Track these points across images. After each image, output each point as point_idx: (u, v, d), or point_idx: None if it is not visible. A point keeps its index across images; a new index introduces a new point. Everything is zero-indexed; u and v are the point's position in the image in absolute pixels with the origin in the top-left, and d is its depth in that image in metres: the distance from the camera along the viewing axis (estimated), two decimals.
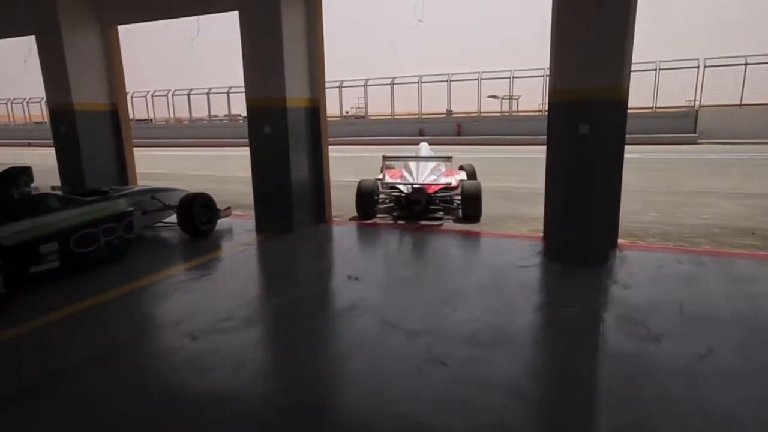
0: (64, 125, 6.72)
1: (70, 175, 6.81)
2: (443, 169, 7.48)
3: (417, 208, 6.56)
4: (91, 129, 6.76)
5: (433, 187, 6.75)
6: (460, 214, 6.68)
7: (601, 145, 4.25)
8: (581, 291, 3.78)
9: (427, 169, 7.17)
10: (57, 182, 6.82)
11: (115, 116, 7.03)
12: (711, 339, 2.92)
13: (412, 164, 7.27)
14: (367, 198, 6.58)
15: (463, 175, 7.63)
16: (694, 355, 2.73)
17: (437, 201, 6.87)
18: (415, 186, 6.62)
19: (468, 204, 6.47)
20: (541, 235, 5.05)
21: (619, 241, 4.95)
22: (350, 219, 6.71)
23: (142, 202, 5.40)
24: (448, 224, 6.40)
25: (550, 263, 4.47)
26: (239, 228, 6.05)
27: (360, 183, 6.74)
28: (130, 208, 4.90)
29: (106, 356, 2.90)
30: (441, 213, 6.94)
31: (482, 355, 2.80)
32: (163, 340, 3.18)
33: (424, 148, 8.86)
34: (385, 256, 5.04)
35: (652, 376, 2.53)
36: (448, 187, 6.87)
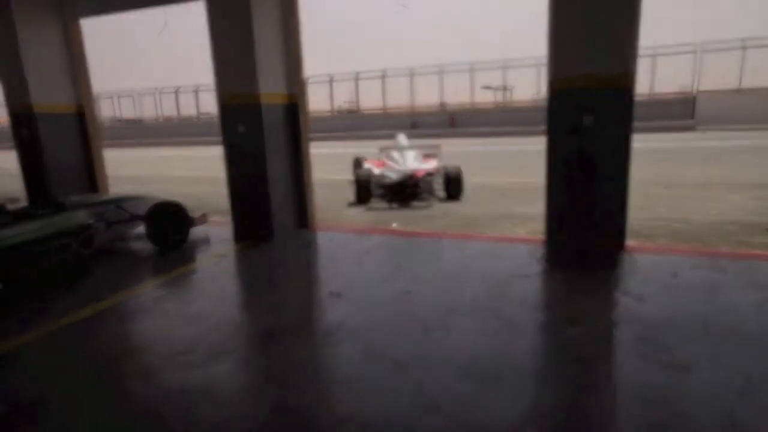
0: (26, 129, 6.23)
1: (34, 183, 6.32)
2: (420, 158, 8.66)
3: (409, 191, 7.70)
4: (54, 133, 6.24)
5: (420, 171, 7.85)
6: (443, 195, 7.83)
7: (607, 137, 3.82)
8: (589, 305, 3.34)
9: (410, 157, 8.33)
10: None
11: (81, 118, 6.53)
12: (747, 364, 2.50)
13: (395, 153, 8.51)
14: (363, 184, 7.67)
15: (437, 162, 8.65)
16: (733, 388, 2.31)
17: (421, 184, 7.96)
18: (406, 172, 7.72)
19: (451, 184, 7.64)
20: (541, 237, 4.60)
21: (627, 242, 4.52)
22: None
23: (105, 213, 4.94)
24: (437, 204, 7.46)
25: (552, 271, 4.04)
26: (216, 236, 5.60)
27: (356, 173, 7.96)
28: (90, 221, 4.45)
29: (26, 408, 2.45)
30: (426, 195, 7.94)
31: (479, 392, 2.37)
32: (106, 382, 2.72)
33: (402, 139, 9.97)
34: (371, 266, 4.58)
35: (689, 423, 2.10)
36: (429, 173, 8.00)
